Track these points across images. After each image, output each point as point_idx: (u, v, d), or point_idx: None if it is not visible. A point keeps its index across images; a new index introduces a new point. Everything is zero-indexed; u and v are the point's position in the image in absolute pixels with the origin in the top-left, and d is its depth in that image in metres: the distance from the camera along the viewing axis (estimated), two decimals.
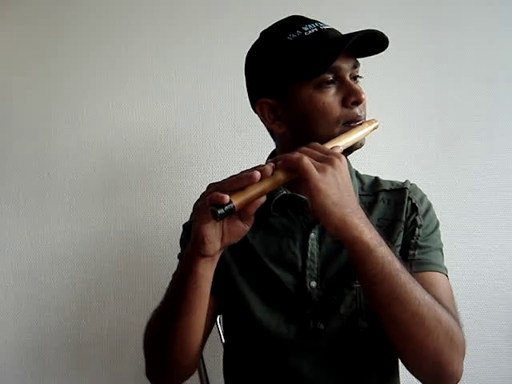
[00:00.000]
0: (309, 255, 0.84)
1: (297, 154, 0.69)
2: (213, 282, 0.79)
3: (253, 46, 0.87)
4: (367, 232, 0.68)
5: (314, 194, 0.66)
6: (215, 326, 0.97)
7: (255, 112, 0.87)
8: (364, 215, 0.70)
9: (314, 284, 0.83)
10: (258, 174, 0.67)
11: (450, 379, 0.73)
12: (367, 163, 1.22)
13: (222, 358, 0.95)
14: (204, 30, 1.33)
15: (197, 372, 1.06)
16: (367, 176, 0.94)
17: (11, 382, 1.30)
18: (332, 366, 0.82)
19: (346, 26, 0.84)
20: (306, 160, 0.67)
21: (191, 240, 0.74)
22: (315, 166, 0.67)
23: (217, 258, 0.76)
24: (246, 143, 1.32)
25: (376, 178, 0.94)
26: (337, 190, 0.67)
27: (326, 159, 0.69)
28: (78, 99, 1.33)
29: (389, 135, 1.30)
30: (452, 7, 1.35)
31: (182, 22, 1.34)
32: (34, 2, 1.34)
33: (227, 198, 0.66)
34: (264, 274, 0.84)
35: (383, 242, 0.70)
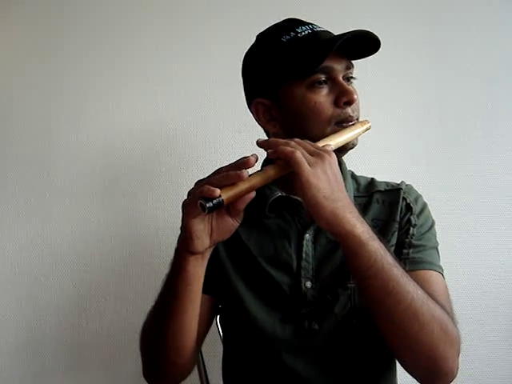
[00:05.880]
0: (304, 256, 0.84)
1: (289, 148, 0.69)
2: (209, 282, 0.79)
3: (249, 48, 0.88)
4: (359, 226, 0.69)
5: (306, 187, 0.67)
6: (214, 326, 0.97)
7: (251, 112, 0.88)
8: (356, 210, 0.71)
9: (309, 284, 0.83)
10: (246, 172, 0.68)
11: (445, 375, 0.73)
12: (367, 163, 1.23)
13: (221, 357, 0.95)
14: (204, 29, 1.33)
15: (197, 372, 1.06)
16: (363, 177, 0.94)
17: (11, 382, 1.30)
18: (328, 366, 0.82)
19: (344, 26, 0.84)
20: (299, 154, 0.68)
21: (181, 237, 0.74)
22: (307, 161, 0.68)
23: (207, 255, 0.76)
24: (245, 143, 1.32)
25: (372, 179, 0.94)
26: (328, 185, 0.68)
27: (318, 154, 0.70)
28: (77, 99, 1.33)
29: (389, 135, 1.30)
30: (452, 7, 1.35)
31: (182, 22, 1.34)
32: (34, 2, 1.34)
33: (218, 191, 0.66)
34: (259, 275, 0.85)
35: (375, 237, 0.70)
